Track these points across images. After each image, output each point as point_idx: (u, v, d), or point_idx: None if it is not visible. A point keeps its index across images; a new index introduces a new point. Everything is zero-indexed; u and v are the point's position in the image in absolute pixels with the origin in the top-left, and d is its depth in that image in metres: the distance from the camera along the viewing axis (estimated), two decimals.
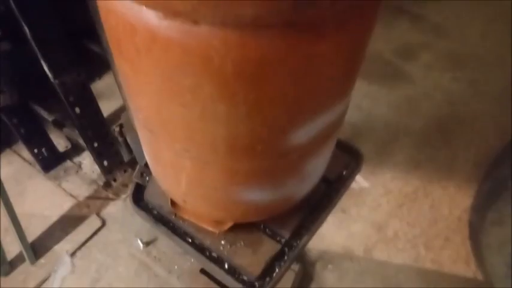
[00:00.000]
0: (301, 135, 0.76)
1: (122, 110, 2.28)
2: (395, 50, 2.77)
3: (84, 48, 2.02)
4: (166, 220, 1.10)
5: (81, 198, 2.00)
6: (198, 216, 1.04)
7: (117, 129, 1.42)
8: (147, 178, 1.18)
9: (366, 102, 2.40)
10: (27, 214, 1.90)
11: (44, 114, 1.99)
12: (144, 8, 0.60)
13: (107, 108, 2.12)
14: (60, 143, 2.22)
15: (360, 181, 1.94)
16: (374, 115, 2.34)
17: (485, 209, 1.53)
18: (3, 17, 1.60)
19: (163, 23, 0.60)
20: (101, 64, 1.79)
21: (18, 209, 1.75)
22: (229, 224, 1.00)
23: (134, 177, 1.16)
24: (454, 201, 1.92)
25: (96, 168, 2.01)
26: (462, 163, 2.10)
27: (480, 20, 2.90)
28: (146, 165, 1.18)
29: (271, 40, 0.59)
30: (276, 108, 0.69)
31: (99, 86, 2.46)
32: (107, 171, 1.96)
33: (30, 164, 2.15)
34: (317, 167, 0.94)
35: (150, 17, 0.60)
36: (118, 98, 1.61)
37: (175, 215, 1.08)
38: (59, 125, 2.00)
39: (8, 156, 2.21)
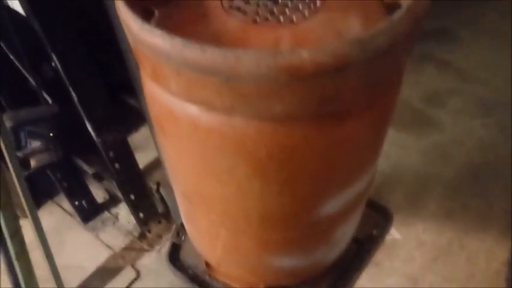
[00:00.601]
0: (330, 207, 0.80)
1: (157, 162, 2.39)
2: (423, 97, 2.78)
3: (121, 102, 2.14)
4: (200, 280, 1.14)
5: (117, 249, 2.06)
6: (231, 278, 1.07)
7: (154, 187, 1.50)
8: (183, 237, 1.23)
9: (394, 150, 2.41)
10: (66, 265, 1.98)
11: (86, 167, 2.10)
12: (187, 103, 0.68)
13: (143, 159, 2.22)
14: (99, 194, 2.33)
15: (392, 233, 1.92)
16: (403, 163, 2.34)
17: None
18: (53, 82, 1.75)
19: (203, 115, 0.67)
20: (138, 117, 1.88)
21: (57, 260, 1.82)
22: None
23: (171, 236, 1.22)
24: (491, 254, 1.86)
25: (132, 219, 2.09)
26: (497, 212, 2.04)
27: (507, 65, 2.90)
28: (181, 224, 1.23)
29: (300, 129, 0.65)
30: (305, 186, 0.74)
31: (135, 138, 2.58)
32: (142, 223, 2.03)
33: (70, 215, 2.26)
34: (346, 232, 0.97)
35: (192, 110, 0.68)
36: (153, 149, 1.69)
37: (210, 275, 1.13)
38: (98, 177, 2.10)
39: (50, 207, 2.33)
